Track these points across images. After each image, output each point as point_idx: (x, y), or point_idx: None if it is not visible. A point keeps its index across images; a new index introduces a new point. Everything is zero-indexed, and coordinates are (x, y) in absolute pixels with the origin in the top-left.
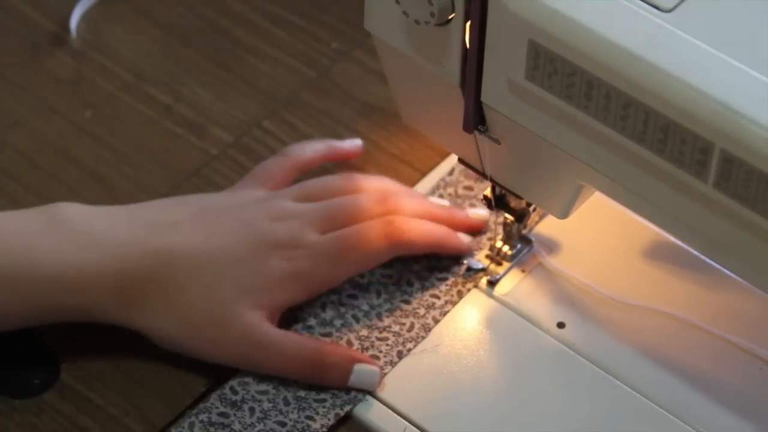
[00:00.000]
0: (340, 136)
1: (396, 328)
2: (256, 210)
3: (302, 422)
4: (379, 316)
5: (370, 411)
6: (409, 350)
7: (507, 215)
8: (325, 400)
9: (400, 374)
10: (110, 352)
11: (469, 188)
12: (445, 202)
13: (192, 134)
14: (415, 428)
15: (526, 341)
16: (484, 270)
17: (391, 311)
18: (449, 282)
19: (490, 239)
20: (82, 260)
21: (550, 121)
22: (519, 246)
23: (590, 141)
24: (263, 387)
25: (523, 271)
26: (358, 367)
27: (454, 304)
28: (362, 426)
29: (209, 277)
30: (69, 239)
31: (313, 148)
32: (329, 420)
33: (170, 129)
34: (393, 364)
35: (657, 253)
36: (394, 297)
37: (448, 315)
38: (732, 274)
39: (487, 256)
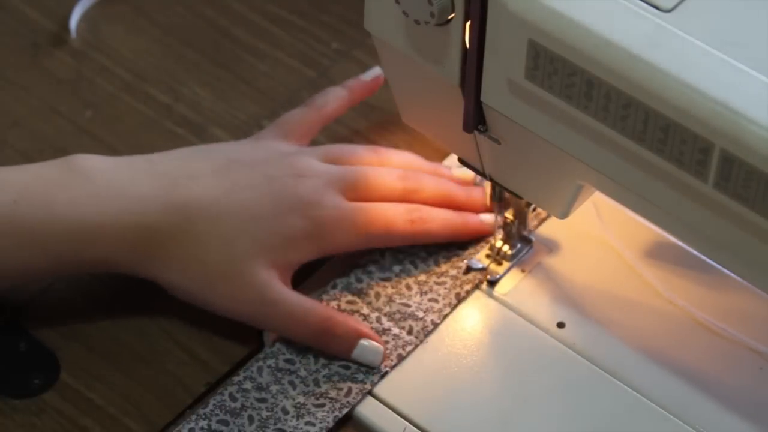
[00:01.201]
0: (340, 137)
1: (453, 272)
2: (280, 165)
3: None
4: (437, 263)
5: (370, 411)
6: (467, 292)
7: (507, 215)
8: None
9: (400, 374)
10: (110, 352)
11: None
12: (470, 173)
13: (192, 134)
14: (415, 428)
15: (526, 341)
16: (484, 270)
17: (448, 258)
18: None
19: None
20: (102, 213)
21: (550, 121)
22: (519, 246)
23: (590, 141)
24: None
25: (523, 271)
26: (363, 341)
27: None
28: (362, 426)
29: (228, 231)
30: (88, 192)
31: (336, 96)
32: (393, 361)
33: (170, 129)
34: (452, 306)
35: (657, 253)
36: (451, 243)
37: (448, 315)
38: (732, 274)
39: (487, 256)
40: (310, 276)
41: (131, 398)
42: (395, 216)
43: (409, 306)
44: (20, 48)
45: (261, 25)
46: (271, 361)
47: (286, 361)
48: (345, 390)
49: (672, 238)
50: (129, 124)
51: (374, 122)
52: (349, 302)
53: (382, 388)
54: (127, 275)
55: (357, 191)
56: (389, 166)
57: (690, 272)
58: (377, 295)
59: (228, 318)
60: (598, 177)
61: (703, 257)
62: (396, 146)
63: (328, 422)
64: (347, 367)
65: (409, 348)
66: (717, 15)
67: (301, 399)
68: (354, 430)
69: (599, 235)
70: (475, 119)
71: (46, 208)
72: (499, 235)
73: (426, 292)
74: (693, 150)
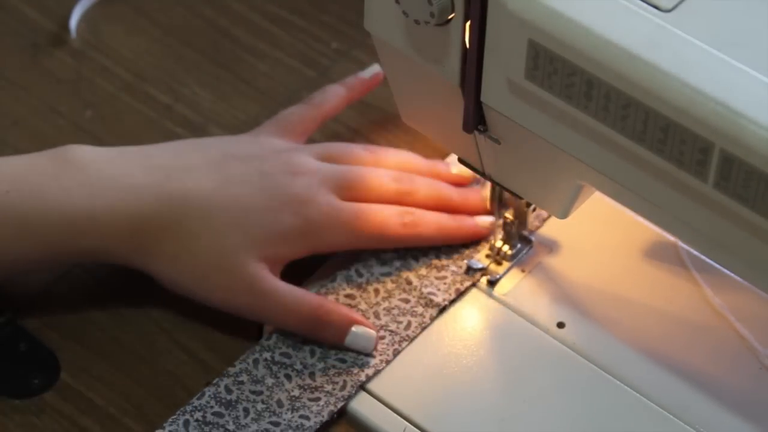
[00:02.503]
0: (340, 136)
1: (454, 267)
2: (275, 161)
3: None
4: (438, 257)
5: (370, 411)
6: (467, 288)
7: (507, 215)
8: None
9: (400, 374)
10: (110, 352)
11: None
12: (469, 171)
13: (192, 134)
14: (415, 428)
15: (526, 341)
16: (484, 270)
17: (449, 253)
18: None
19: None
20: (94, 203)
21: (550, 121)
22: (519, 246)
23: (590, 141)
24: None
25: (523, 271)
26: (355, 328)
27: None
28: (362, 426)
29: (220, 224)
30: (81, 182)
31: (335, 93)
32: (389, 356)
33: (170, 129)
34: (451, 302)
35: (657, 253)
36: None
37: (448, 315)
38: (732, 274)
39: (487, 256)
40: (314, 270)
41: (131, 398)
42: (387, 218)
43: (408, 301)
44: (20, 48)
45: (261, 25)
46: (267, 354)
47: (282, 354)
48: (340, 384)
49: (672, 238)
50: (129, 124)
51: (373, 122)
52: (348, 296)
53: (382, 388)
54: (126, 274)
55: (350, 191)
56: (385, 166)
57: (690, 272)
58: (376, 291)
59: (227, 316)
60: (598, 177)
61: (703, 257)
62: (396, 146)
63: (323, 416)
64: (343, 361)
65: (404, 344)
66: (717, 15)
67: (296, 392)
68: (354, 429)
69: (599, 234)
70: (475, 119)
71: (38, 197)
72: (499, 235)
73: (426, 286)
74: (693, 150)
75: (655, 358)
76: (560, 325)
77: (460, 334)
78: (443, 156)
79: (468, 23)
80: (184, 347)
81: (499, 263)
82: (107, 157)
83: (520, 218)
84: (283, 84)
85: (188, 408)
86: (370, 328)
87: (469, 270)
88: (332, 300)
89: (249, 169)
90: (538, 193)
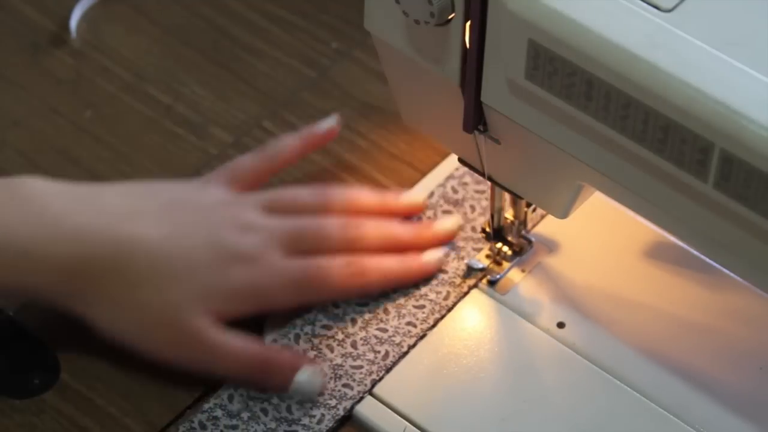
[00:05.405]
0: (342, 136)
1: (432, 295)
2: (222, 215)
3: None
4: (417, 286)
5: (371, 411)
6: (443, 317)
7: (507, 215)
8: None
9: (400, 374)
10: (110, 352)
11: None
12: (420, 196)
13: (192, 134)
14: (415, 428)
15: (526, 341)
16: (484, 270)
17: (428, 281)
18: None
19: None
20: (33, 240)
21: (550, 121)
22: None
23: (590, 141)
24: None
25: (523, 271)
26: (299, 378)
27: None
28: (362, 426)
29: (164, 277)
30: (23, 217)
31: (288, 145)
32: (366, 386)
33: (170, 129)
34: (430, 328)
35: (657, 253)
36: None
37: (449, 315)
38: (732, 274)
39: (487, 256)
40: None
41: (131, 398)
42: (334, 272)
43: (386, 331)
44: (20, 48)
45: (261, 25)
46: (242, 389)
47: (323, 326)
48: (318, 416)
49: (672, 238)
50: (129, 124)
51: (374, 122)
52: (324, 327)
53: (382, 388)
54: None
55: (298, 246)
56: (333, 209)
57: (690, 272)
58: (353, 321)
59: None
60: (598, 177)
61: (703, 257)
62: (396, 146)
63: None
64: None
65: (382, 372)
66: (717, 15)
67: (272, 425)
68: (354, 429)
69: (599, 234)
70: (475, 119)
71: None
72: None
73: (404, 316)
74: (693, 150)
75: (655, 358)
76: (560, 325)
77: (460, 334)
78: (443, 156)
79: (468, 23)
80: None
81: (499, 263)
82: (56, 193)
83: (520, 218)
84: (283, 84)
85: None
86: (319, 370)
87: (470, 270)
88: (278, 347)
89: (197, 219)
90: (538, 193)
